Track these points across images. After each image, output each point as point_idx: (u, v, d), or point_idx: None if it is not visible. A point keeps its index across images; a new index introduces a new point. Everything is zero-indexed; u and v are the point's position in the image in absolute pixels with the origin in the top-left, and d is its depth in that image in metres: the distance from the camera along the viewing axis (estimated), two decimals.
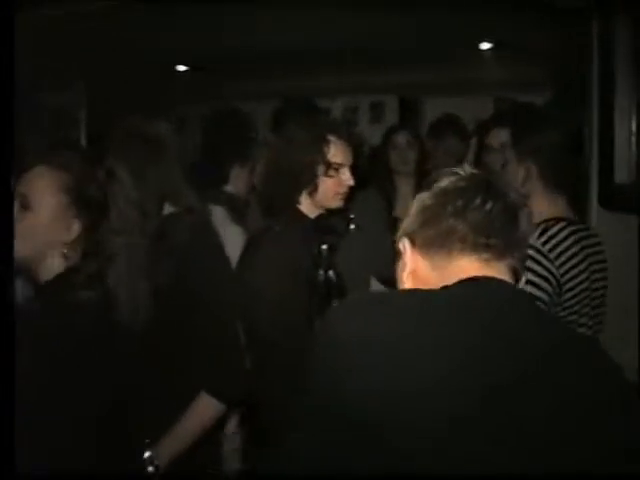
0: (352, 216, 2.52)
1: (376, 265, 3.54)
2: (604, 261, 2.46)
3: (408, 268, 1.42)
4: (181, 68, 5.95)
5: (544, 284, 2.27)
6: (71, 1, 3.35)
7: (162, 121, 2.56)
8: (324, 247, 2.37)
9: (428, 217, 1.39)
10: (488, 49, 5.14)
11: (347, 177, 2.52)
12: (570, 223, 2.43)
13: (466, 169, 1.46)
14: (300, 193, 2.52)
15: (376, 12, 4.25)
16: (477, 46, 5.09)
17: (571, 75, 2.96)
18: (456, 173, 1.44)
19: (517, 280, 1.39)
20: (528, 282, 2.25)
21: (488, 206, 1.35)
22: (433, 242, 1.38)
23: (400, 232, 1.45)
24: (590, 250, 2.42)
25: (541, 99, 4.49)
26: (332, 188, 2.52)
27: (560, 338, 1.30)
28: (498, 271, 1.35)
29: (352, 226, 2.48)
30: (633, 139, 2.35)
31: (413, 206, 1.44)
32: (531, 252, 2.28)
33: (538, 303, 2.18)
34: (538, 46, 4.23)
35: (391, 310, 1.25)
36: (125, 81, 4.81)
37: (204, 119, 3.78)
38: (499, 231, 1.35)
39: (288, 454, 1.28)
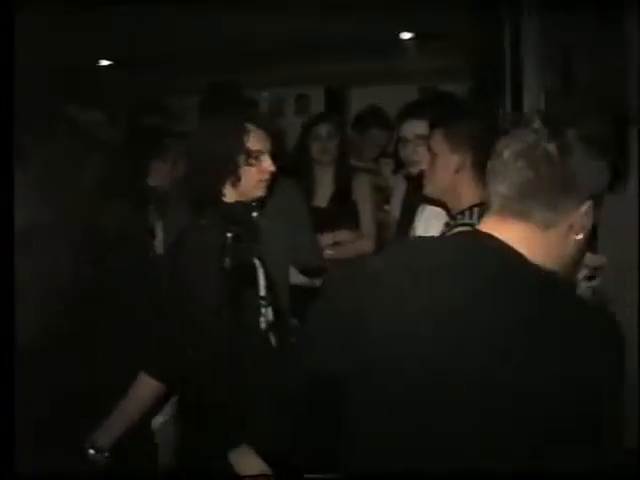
0: (254, 204, 2.51)
1: (296, 255, 3.57)
2: None
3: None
4: (104, 63, 5.88)
5: None
6: None
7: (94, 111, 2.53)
8: (229, 235, 2.38)
9: None
10: (409, 39, 5.20)
11: (268, 164, 2.52)
12: None
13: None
14: (223, 184, 2.51)
15: (299, 3, 4.27)
16: (398, 36, 5.14)
17: (488, 63, 3.00)
18: None
19: None
20: None
21: None
22: None
23: None
24: None
25: (464, 88, 4.58)
26: (254, 176, 2.52)
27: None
28: None
29: (254, 214, 2.48)
30: None
31: None
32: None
33: None
34: (457, 36, 4.30)
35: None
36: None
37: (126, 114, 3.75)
38: None
39: None
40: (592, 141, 1.45)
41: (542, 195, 1.42)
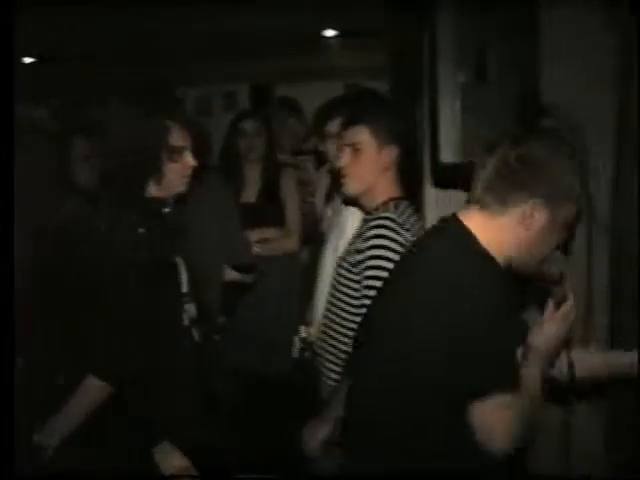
0: (159, 197, 2.52)
1: (229, 252, 3.59)
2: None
3: None
4: (27, 60, 5.78)
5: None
6: None
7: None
8: (141, 230, 2.39)
9: None
10: (333, 37, 5.25)
11: (189, 159, 2.54)
12: (409, 202, 2.62)
13: None
14: (146, 181, 2.51)
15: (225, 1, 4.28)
16: (321, 33, 5.19)
17: (406, 60, 3.06)
18: None
19: None
20: (389, 249, 2.41)
21: None
22: None
23: None
24: (421, 224, 2.62)
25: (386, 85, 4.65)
26: (177, 172, 2.52)
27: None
28: None
29: (166, 209, 2.49)
30: (457, 119, 2.46)
31: None
32: (389, 224, 2.44)
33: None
34: (378, 33, 4.36)
35: None
36: None
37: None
38: None
39: None
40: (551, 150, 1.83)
41: (496, 191, 1.82)
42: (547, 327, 1.88)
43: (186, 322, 2.57)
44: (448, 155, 2.48)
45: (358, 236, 2.56)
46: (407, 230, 2.46)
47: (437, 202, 2.92)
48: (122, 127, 2.62)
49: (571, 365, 2.00)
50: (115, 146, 2.59)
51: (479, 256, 1.82)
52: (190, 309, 2.60)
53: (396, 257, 2.37)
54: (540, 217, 1.80)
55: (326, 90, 5.08)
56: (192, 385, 2.53)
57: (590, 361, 2.08)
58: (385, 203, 2.56)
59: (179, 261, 2.59)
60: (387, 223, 2.45)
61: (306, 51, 5.50)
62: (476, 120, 2.47)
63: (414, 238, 2.46)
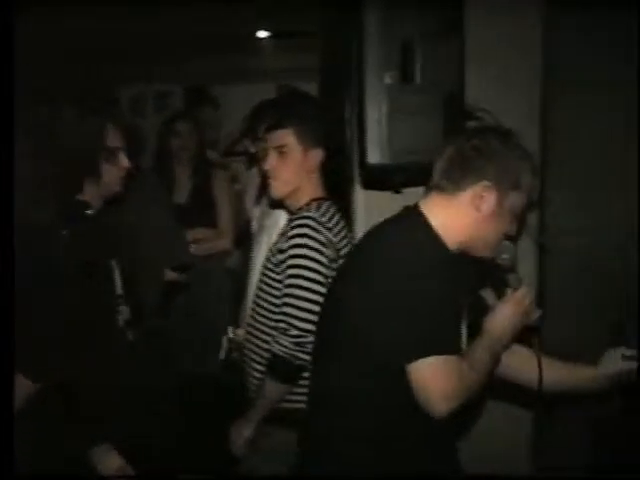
0: (81, 199, 2.49)
1: (167, 253, 3.56)
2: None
3: None
4: None
5: (327, 250, 2.46)
6: None
7: None
8: (64, 233, 2.35)
9: None
10: (266, 38, 5.24)
11: (124, 160, 2.51)
12: (332, 202, 2.63)
13: None
14: (82, 182, 2.47)
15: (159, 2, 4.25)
16: (255, 35, 5.18)
17: (336, 61, 3.07)
18: None
19: None
20: (310, 248, 2.43)
21: None
22: None
23: None
24: (345, 224, 2.65)
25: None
26: (113, 173, 2.50)
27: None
28: None
29: (89, 212, 2.46)
30: (384, 121, 2.48)
31: None
32: (310, 222, 2.47)
33: (319, 267, 2.42)
34: (309, 35, 4.37)
35: None
36: None
37: None
38: None
39: None
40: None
41: (452, 176, 1.97)
42: (501, 311, 1.99)
43: (121, 323, 2.55)
44: (375, 157, 2.50)
45: (282, 236, 2.58)
46: (329, 229, 2.49)
47: (367, 203, 2.94)
48: (60, 127, 2.59)
49: (540, 366, 2.09)
50: (54, 146, 2.55)
51: (430, 241, 1.95)
52: (124, 311, 2.58)
53: (317, 256, 2.42)
54: (489, 198, 1.94)
55: (259, 91, 5.08)
56: (128, 386, 2.49)
57: (557, 371, 2.22)
58: (308, 204, 2.58)
59: (113, 263, 2.56)
60: (308, 222, 2.47)
61: (240, 52, 5.47)
62: (402, 122, 2.50)
63: (337, 237, 2.52)
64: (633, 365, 2.23)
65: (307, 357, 2.37)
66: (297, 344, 2.39)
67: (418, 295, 1.84)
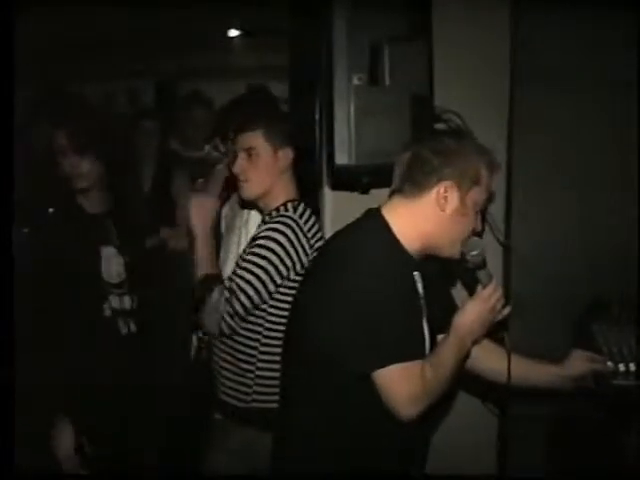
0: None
1: None
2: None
3: None
4: None
5: (295, 257, 2.46)
6: None
7: None
8: (24, 231, 2.38)
9: None
10: (237, 36, 5.22)
11: (71, 158, 2.55)
12: (306, 203, 2.64)
13: None
14: (47, 180, 2.47)
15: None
16: (225, 33, 5.16)
17: (305, 61, 3.06)
18: None
19: None
20: (278, 243, 2.45)
21: None
22: None
23: None
24: (318, 226, 2.64)
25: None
26: (68, 170, 2.55)
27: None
28: None
29: (50, 210, 2.47)
30: (351, 122, 2.48)
31: None
32: (290, 222, 2.49)
33: (279, 262, 2.44)
34: (281, 32, 4.35)
35: None
36: None
37: None
38: None
39: None
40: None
41: (412, 179, 1.98)
42: (470, 308, 2.00)
43: (107, 313, 2.59)
44: (343, 158, 2.51)
45: (253, 240, 2.55)
46: (304, 233, 2.51)
47: (336, 204, 2.94)
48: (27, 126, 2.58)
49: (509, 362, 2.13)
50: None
51: (389, 246, 1.97)
52: (114, 300, 2.63)
53: (288, 246, 2.44)
54: (452, 197, 1.96)
55: (230, 89, 5.04)
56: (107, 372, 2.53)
57: (523, 367, 2.26)
58: (284, 204, 2.57)
59: (107, 251, 2.59)
60: (288, 221, 2.48)
61: (211, 50, 5.44)
62: (370, 123, 2.51)
63: (313, 239, 2.52)
64: (598, 369, 2.29)
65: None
66: (232, 317, 2.43)
67: (375, 302, 1.86)
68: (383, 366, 1.85)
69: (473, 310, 2.00)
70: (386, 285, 1.87)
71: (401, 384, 1.87)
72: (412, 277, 2.01)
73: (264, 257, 2.44)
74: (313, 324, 1.96)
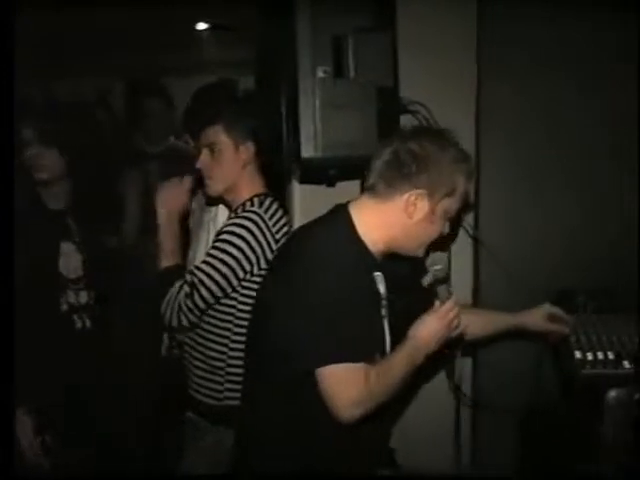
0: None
1: None
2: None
3: None
4: None
5: (258, 251, 2.46)
6: None
7: None
8: None
9: None
10: (205, 30, 5.18)
11: (32, 150, 2.56)
12: (273, 197, 2.63)
13: None
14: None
15: None
16: (194, 27, 5.12)
17: (270, 54, 3.04)
18: None
19: None
20: (241, 238, 2.43)
21: None
22: None
23: None
24: (287, 219, 2.64)
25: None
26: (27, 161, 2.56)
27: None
28: None
29: None
30: (317, 115, 2.45)
31: None
32: (254, 217, 2.48)
33: (241, 256, 2.42)
34: (248, 26, 4.32)
35: None
36: None
37: None
38: None
39: None
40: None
41: (386, 179, 1.94)
42: (426, 322, 1.98)
43: (64, 308, 2.58)
44: (308, 150, 2.49)
45: (219, 233, 2.54)
46: (269, 227, 2.50)
47: (305, 198, 2.93)
48: None
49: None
50: None
51: (350, 244, 1.95)
52: (71, 295, 2.61)
53: (245, 247, 2.43)
54: (422, 206, 1.94)
55: (199, 84, 5.00)
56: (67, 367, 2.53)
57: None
58: (250, 199, 2.56)
59: (66, 247, 2.59)
60: (252, 216, 2.48)
61: (179, 45, 5.40)
62: (335, 115, 2.49)
63: (279, 233, 2.52)
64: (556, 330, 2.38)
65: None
66: (191, 310, 2.41)
67: (327, 301, 1.84)
68: (326, 364, 1.84)
69: (429, 324, 1.98)
70: (341, 284, 1.85)
71: (343, 385, 1.85)
72: (372, 277, 2.00)
73: (226, 251, 2.43)
74: (270, 320, 1.95)
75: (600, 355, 2.33)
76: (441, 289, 2.02)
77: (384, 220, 1.97)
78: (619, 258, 2.85)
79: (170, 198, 2.56)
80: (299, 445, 1.97)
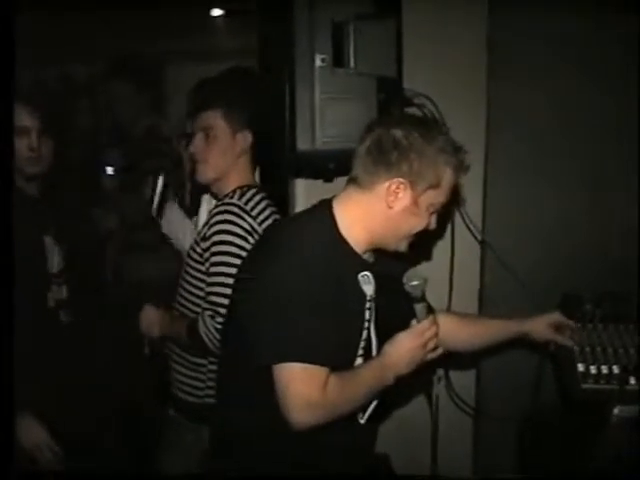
0: None
1: None
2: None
3: None
4: None
5: (249, 237, 2.36)
6: None
7: None
8: None
9: None
10: (219, 16, 5.13)
11: (33, 140, 2.42)
12: (259, 189, 2.53)
13: None
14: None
15: None
16: (208, 13, 5.07)
17: (271, 42, 2.96)
18: None
19: None
20: (235, 235, 2.35)
21: None
22: None
23: None
24: (274, 211, 2.52)
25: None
26: (22, 152, 2.41)
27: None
28: None
29: None
30: (315, 106, 2.37)
31: None
32: (233, 209, 2.39)
33: (242, 253, 2.30)
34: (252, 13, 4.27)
35: None
36: None
37: None
38: None
39: None
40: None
41: (368, 167, 1.86)
42: (401, 340, 1.87)
43: (51, 304, 2.51)
44: (305, 143, 2.41)
45: (206, 224, 2.48)
46: (254, 217, 2.40)
47: (306, 191, 2.85)
48: None
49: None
50: None
51: (329, 242, 1.86)
52: (56, 290, 2.54)
53: (241, 242, 2.34)
54: (403, 196, 1.84)
55: (210, 72, 4.95)
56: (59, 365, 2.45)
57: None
58: (233, 191, 2.47)
59: (48, 241, 2.51)
60: (230, 208, 2.39)
61: (190, 32, 5.34)
62: (334, 107, 2.41)
63: (262, 225, 2.41)
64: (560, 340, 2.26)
65: None
66: (219, 330, 2.30)
67: (296, 297, 1.75)
68: (283, 361, 1.74)
69: (404, 343, 1.87)
70: (313, 281, 1.75)
71: (298, 385, 1.74)
72: (354, 278, 1.90)
73: (225, 263, 2.35)
74: (239, 312, 1.89)
75: (604, 369, 2.18)
76: (418, 307, 1.90)
77: (366, 210, 1.88)
78: (629, 263, 2.72)
79: (148, 321, 2.58)
80: (268, 443, 1.88)
